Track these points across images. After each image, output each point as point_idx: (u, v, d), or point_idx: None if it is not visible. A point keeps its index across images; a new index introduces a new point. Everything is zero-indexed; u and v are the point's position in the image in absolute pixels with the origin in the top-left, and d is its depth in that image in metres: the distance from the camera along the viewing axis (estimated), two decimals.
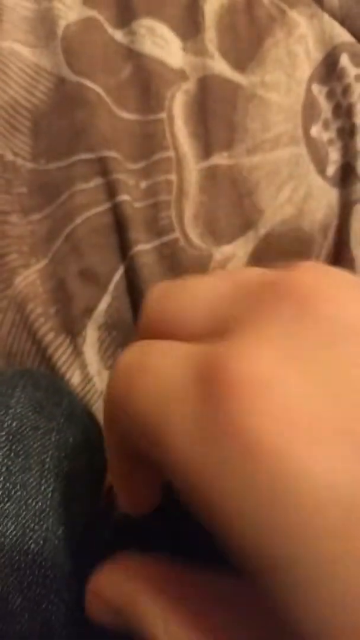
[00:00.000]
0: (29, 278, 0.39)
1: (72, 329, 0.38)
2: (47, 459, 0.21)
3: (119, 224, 0.37)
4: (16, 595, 0.19)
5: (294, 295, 0.11)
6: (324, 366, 0.10)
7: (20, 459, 0.21)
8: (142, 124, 0.39)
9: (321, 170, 0.36)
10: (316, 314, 0.11)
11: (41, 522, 0.20)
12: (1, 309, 0.38)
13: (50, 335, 0.38)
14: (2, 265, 0.38)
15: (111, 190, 0.37)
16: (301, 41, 0.38)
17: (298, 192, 0.35)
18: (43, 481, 0.20)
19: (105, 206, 0.38)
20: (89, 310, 0.37)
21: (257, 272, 0.13)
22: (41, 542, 0.19)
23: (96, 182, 0.38)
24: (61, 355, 0.37)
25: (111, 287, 0.38)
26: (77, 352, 0.38)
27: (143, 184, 0.38)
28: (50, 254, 0.38)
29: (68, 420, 0.23)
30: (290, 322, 0.11)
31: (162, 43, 0.40)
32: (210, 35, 0.39)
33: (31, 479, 0.20)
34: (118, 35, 0.42)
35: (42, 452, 0.21)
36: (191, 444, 0.10)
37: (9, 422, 0.21)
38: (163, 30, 0.40)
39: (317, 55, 0.38)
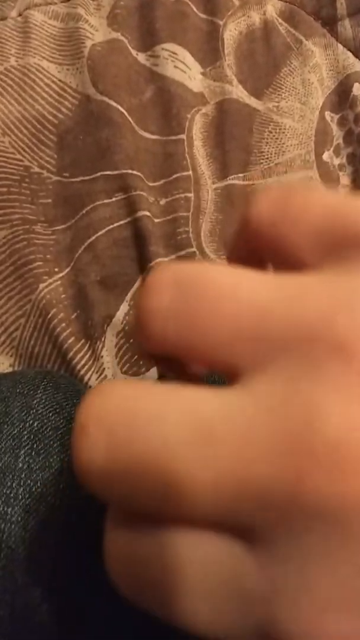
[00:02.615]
0: (52, 285, 0.41)
1: (91, 335, 0.39)
2: (66, 458, 0.22)
3: (139, 238, 0.39)
4: (35, 589, 0.19)
5: None
6: None
7: (41, 457, 0.21)
8: (163, 144, 0.41)
9: None
10: None
11: (60, 517, 0.20)
12: (25, 312, 0.40)
13: (71, 340, 0.39)
14: (27, 272, 0.40)
15: (132, 205, 0.39)
16: (315, 70, 0.40)
17: None
18: (62, 479, 0.21)
19: (126, 220, 0.40)
20: (108, 317, 0.39)
21: None
22: (60, 537, 0.20)
23: (118, 197, 0.40)
24: (80, 359, 0.39)
25: (129, 296, 0.40)
26: (96, 357, 0.39)
27: (162, 201, 0.40)
28: (73, 263, 0.41)
29: None
30: None
31: (183, 67, 0.42)
32: (229, 61, 0.41)
33: (51, 477, 0.21)
34: (142, 57, 0.44)
35: (61, 451, 0.22)
36: None
37: (31, 421, 0.22)
38: (185, 55, 0.42)
39: (330, 84, 0.40)
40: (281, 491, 0.09)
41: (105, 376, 0.39)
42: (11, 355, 0.39)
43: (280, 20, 0.41)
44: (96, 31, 0.46)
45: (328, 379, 0.09)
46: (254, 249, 0.13)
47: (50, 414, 0.23)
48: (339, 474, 0.09)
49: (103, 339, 0.40)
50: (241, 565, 0.10)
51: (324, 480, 0.09)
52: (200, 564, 0.10)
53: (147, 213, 0.39)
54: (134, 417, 0.10)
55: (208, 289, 0.11)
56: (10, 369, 0.39)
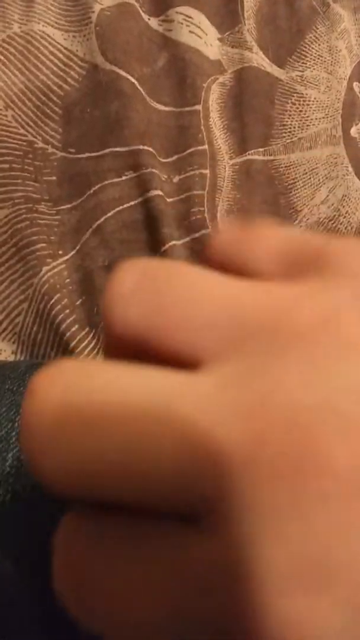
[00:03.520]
0: (56, 269, 0.39)
1: (96, 323, 0.37)
2: None
3: (151, 219, 0.37)
4: (28, 604, 0.19)
5: None
6: None
7: None
8: (177, 116, 0.38)
9: (359, 173, 0.35)
10: None
11: (50, 524, 0.20)
12: (27, 297, 0.38)
13: (74, 328, 0.38)
14: (30, 254, 0.38)
15: (144, 184, 0.36)
16: (344, 36, 0.37)
17: (335, 193, 0.35)
18: None
19: (137, 201, 0.37)
20: None
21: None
22: (51, 545, 0.19)
23: (128, 175, 0.38)
24: (84, 348, 0.37)
25: None
26: (100, 346, 0.38)
27: (176, 179, 0.37)
28: (79, 246, 0.38)
29: None
30: None
31: (199, 32, 0.39)
32: (249, 26, 0.38)
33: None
34: (154, 22, 0.41)
35: None
36: None
37: (20, 421, 0.21)
38: (201, 19, 0.39)
39: (359, 51, 0.37)
40: (240, 454, 0.09)
41: None
42: (14, 342, 0.37)
43: None
44: None
45: (290, 358, 0.10)
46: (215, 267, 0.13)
47: None
48: (300, 437, 0.09)
49: None
50: (193, 553, 0.09)
51: (284, 445, 0.09)
52: (154, 556, 0.10)
53: (159, 192, 0.37)
54: (87, 380, 0.10)
55: (173, 277, 0.11)
56: (13, 357, 0.37)
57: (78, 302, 0.38)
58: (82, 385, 0.10)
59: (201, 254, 0.13)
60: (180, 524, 0.10)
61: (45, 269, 0.38)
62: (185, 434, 0.09)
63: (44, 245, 0.38)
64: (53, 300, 0.37)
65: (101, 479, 0.10)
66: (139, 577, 0.10)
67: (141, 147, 0.37)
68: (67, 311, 0.37)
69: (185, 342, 0.10)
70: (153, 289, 0.11)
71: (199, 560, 0.09)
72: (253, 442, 0.09)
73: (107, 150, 0.38)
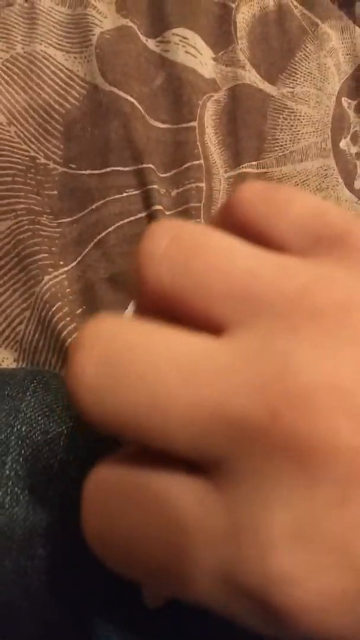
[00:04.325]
0: (57, 278, 0.40)
1: None
2: (55, 464, 0.21)
3: None
4: (22, 601, 0.19)
5: None
6: None
7: (29, 464, 0.21)
8: (174, 133, 0.39)
9: (349, 183, 0.36)
10: None
11: (48, 527, 0.20)
12: (29, 305, 0.39)
13: (75, 336, 0.38)
14: (32, 263, 0.39)
15: (145, 201, 0.38)
16: (332, 54, 0.39)
17: None
18: (50, 486, 0.20)
19: (138, 216, 0.38)
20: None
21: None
22: (49, 547, 0.19)
23: (129, 193, 0.39)
24: None
25: None
26: None
27: (174, 192, 0.39)
28: (80, 258, 0.39)
29: (78, 423, 0.23)
30: None
31: (194, 52, 0.41)
32: (242, 45, 0.40)
33: (39, 484, 0.20)
34: (151, 43, 0.42)
35: (50, 456, 0.21)
36: None
37: (19, 426, 0.22)
38: (196, 39, 0.41)
39: (347, 69, 0.39)
40: (254, 424, 0.10)
41: None
42: (15, 350, 0.37)
43: (295, 2, 0.39)
44: (105, 18, 0.45)
45: (305, 337, 0.10)
46: (236, 230, 0.13)
47: (40, 418, 0.23)
48: (310, 415, 0.10)
49: None
50: (206, 505, 0.10)
51: (295, 420, 0.10)
52: (176, 508, 0.10)
53: (160, 207, 0.38)
54: (126, 339, 0.11)
55: (205, 243, 0.11)
56: (14, 365, 0.37)
57: (79, 311, 0.39)
58: (120, 342, 0.11)
59: (224, 208, 0.13)
60: (196, 476, 0.10)
61: (46, 278, 0.39)
62: (207, 395, 0.10)
63: (45, 255, 0.40)
64: (54, 309, 0.38)
65: (133, 423, 0.10)
66: (154, 520, 0.11)
67: (142, 165, 0.39)
68: (68, 319, 0.38)
69: (209, 308, 0.11)
70: (184, 252, 0.11)
71: (213, 508, 0.10)
72: (268, 415, 0.10)
73: (109, 169, 0.40)
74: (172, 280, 0.11)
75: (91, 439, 0.23)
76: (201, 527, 0.10)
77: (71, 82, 0.44)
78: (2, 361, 0.38)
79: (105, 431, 0.11)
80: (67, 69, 0.44)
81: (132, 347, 0.11)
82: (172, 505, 0.10)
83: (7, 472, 0.20)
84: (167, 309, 0.11)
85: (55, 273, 0.39)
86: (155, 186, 0.38)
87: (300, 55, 0.39)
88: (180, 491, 0.11)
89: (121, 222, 0.39)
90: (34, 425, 0.22)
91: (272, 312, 0.11)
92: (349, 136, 0.37)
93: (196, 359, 0.10)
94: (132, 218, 0.39)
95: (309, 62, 0.39)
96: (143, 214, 0.38)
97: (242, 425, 0.10)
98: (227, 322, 0.11)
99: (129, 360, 0.11)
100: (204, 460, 0.10)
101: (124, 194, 0.39)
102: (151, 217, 0.38)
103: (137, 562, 0.11)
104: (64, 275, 0.39)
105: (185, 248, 0.11)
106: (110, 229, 0.39)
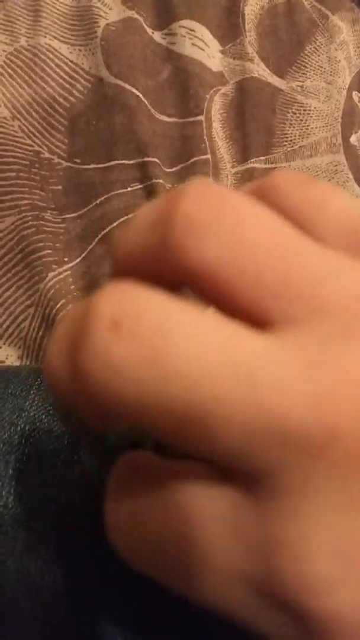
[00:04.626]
0: (62, 275, 0.39)
1: None
2: (59, 463, 0.21)
3: None
4: (25, 602, 0.19)
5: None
6: None
7: (32, 463, 0.21)
8: (180, 127, 0.39)
9: (359, 179, 0.36)
10: None
11: (52, 526, 0.20)
12: (34, 302, 0.38)
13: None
14: (36, 260, 0.39)
15: (149, 195, 0.37)
16: (342, 47, 0.38)
17: None
18: (55, 484, 0.20)
19: None
20: None
21: None
22: (52, 548, 0.19)
23: (134, 187, 0.38)
24: None
25: None
26: None
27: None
28: (85, 254, 0.39)
29: (81, 422, 0.23)
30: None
31: (201, 45, 0.40)
32: (250, 38, 0.39)
33: (42, 483, 0.20)
34: (157, 36, 0.42)
35: (54, 455, 0.21)
36: None
37: (23, 425, 0.21)
38: (203, 32, 0.40)
39: (358, 62, 0.38)
40: (312, 441, 0.09)
41: None
42: (19, 347, 0.37)
43: None
44: (110, 9, 0.44)
45: (356, 348, 0.10)
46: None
47: (43, 416, 0.22)
48: None
49: None
50: (244, 516, 0.10)
51: (350, 444, 0.09)
52: (204, 515, 0.10)
53: None
54: (167, 324, 0.09)
55: (258, 223, 0.10)
56: (18, 362, 0.37)
57: None
58: (160, 323, 0.09)
59: (258, 190, 0.12)
60: (228, 481, 0.10)
61: (51, 274, 0.38)
62: (265, 401, 0.09)
63: (49, 252, 0.39)
64: (58, 305, 0.38)
65: (165, 420, 0.09)
66: (182, 519, 0.10)
67: (147, 159, 0.38)
68: None
69: (257, 298, 0.10)
70: (236, 230, 0.10)
71: (246, 518, 0.10)
72: (327, 433, 0.09)
73: (113, 163, 0.39)
74: (219, 256, 0.10)
75: (94, 437, 0.23)
76: (231, 533, 0.10)
77: (76, 75, 0.43)
78: (6, 358, 0.37)
79: (120, 421, 0.10)
80: (71, 61, 0.43)
81: (176, 334, 0.09)
82: (201, 507, 0.10)
83: (11, 471, 0.20)
84: (194, 285, 0.10)
85: (60, 269, 0.39)
86: (160, 180, 0.38)
87: (310, 48, 0.38)
88: (210, 494, 0.10)
89: (126, 217, 0.38)
90: (37, 423, 0.22)
91: (329, 313, 0.10)
92: (359, 131, 0.37)
93: (251, 357, 0.09)
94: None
95: (318, 55, 0.38)
96: None
97: (299, 440, 0.09)
98: (277, 317, 0.10)
99: (171, 347, 0.09)
100: (246, 468, 0.10)
101: (129, 189, 0.38)
102: None
103: (162, 563, 0.11)
104: (69, 272, 0.39)
105: (236, 223, 0.10)
106: (114, 224, 0.38)
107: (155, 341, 0.09)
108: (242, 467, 0.10)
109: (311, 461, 0.09)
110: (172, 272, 0.10)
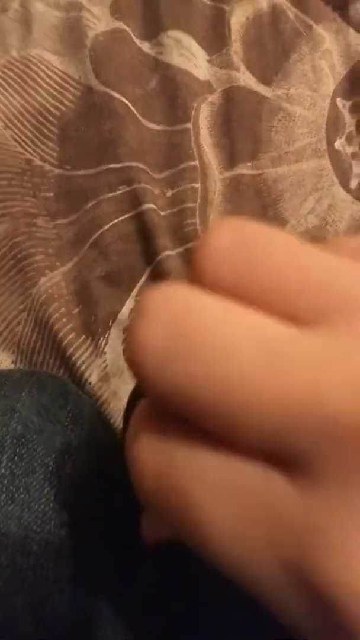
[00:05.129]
0: (54, 279, 0.40)
1: (94, 331, 0.38)
2: (51, 462, 0.21)
3: (145, 231, 0.38)
4: (18, 597, 0.19)
5: None
6: None
7: (24, 463, 0.21)
8: (169, 134, 0.39)
9: (344, 183, 0.37)
10: None
11: (44, 525, 0.20)
12: (26, 307, 0.39)
13: (71, 336, 0.38)
14: (28, 265, 0.39)
15: (136, 198, 0.38)
16: (326, 56, 0.39)
17: (322, 203, 0.36)
18: (46, 484, 0.21)
19: (130, 214, 0.38)
20: (114, 314, 0.38)
21: None
22: (44, 544, 0.19)
23: (122, 190, 0.39)
24: (81, 355, 0.38)
25: (135, 291, 0.39)
26: (98, 353, 0.38)
27: (169, 193, 0.39)
28: (77, 258, 0.39)
29: (73, 423, 0.24)
30: None
31: (188, 55, 0.41)
32: (236, 47, 0.40)
33: (34, 482, 0.20)
34: (145, 46, 0.43)
35: (45, 455, 0.21)
36: None
37: (14, 425, 0.22)
38: (190, 42, 0.41)
39: (341, 70, 0.39)
40: (352, 426, 0.09)
41: (107, 373, 0.38)
42: (13, 352, 0.37)
43: (288, 4, 0.40)
44: (98, 20, 0.45)
45: None
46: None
47: (34, 417, 0.23)
48: None
49: (107, 335, 0.38)
50: (280, 495, 0.10)
51: None
52: (231, 485, 0.10)
53: (152, 206, 0.38)
54: (199, 316, 0.10)
55: (274, 243, 0.10)
56: (12, 366, 0.37)
57: (75, 311, 0.39)
58: (195, 313, 0.10)
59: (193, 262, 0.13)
60: (267, 463, 0.10)
61: (43, 279, 0.39)
62: (298, 386, 0.09)
63: (41, 257, 0.40)
64: (51, 310, 0.38)
65: (199, 402, 0.10)
66: (219, 492, 0.10)
67: (134, 164, 0.39)
68: (65, 320, 0.38)
69: (281, 301, 0.10)
70: (248, 251, 0.10)
71: (284, 502, 0.10)
72: None
73: (102, 168, 0.40)
74: (234, 277, 0.10)
75: (86, 439, 0.23)
76: (272, 515, 0.10)
77: (66, 85, 0.44)
78: (1, 363, 0.38)
79: (161, 402, 0.10)
80: (61, 71, 0.44)
81: (208, 320, 0.10)
82: (242, 480, 0.10)
83: (3, 470, 0.20)
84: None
85: (52, 274, 0.39)
86: (147, 185, 0.38)
87: (295, 57, 0.39)
88: (252, 471, 0.10)
89: (115, 220, 0.39)
90: (28, 424, 0.22)
91: (353, 309, 0.10)
92: (344, 137, 0.38)
93: (282, 344, 0.09)
94: (126, 216, 0.39)
95: (303, 64, 0.39)
96: (135, 212, 0.38)
97: (337, 425, 0.09)
98: (306, 315, 0.10)
99: (205, 333, 0.10)
100: (283, 453, 0.10)
101: (117, 192, 0.39)
102: (144, 215, 0.38)
103: (189, 516, 0.10)
104: (60, 277, 0.40)
105: (250, 246, 0.10)
106: (105, 228, 0.39)
107: (181, 324, 0.10)
108: (276, 450, 0.10)
109: (350, 447, 0.09)
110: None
